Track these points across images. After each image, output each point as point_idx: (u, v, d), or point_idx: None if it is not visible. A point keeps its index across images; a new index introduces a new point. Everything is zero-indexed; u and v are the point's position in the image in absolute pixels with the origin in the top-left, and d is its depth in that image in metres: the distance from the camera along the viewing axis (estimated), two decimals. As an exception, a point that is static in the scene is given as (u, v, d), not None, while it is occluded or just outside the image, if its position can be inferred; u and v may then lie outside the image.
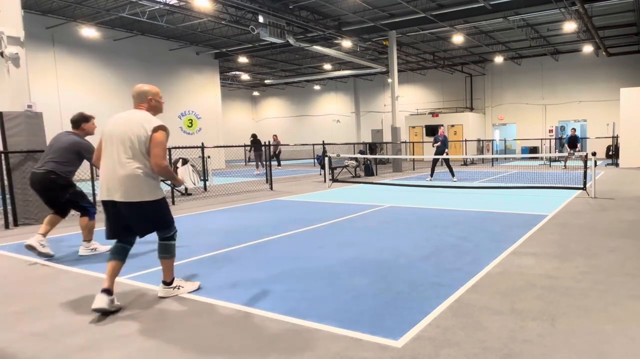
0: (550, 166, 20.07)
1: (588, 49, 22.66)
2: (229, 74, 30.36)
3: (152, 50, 21.07)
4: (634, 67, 23.58)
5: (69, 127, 5.47)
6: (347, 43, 19.84)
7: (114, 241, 3.78)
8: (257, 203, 9.86)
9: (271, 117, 38.13)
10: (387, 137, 30.03)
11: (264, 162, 23.19)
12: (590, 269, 4.36)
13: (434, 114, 27.35)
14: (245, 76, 31.47)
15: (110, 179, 3.50)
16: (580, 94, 25.27)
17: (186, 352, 2.86)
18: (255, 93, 38.67)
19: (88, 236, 5.51)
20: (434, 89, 30.08)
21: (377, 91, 32.36)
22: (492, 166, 15.03)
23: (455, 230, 6.38)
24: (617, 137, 19.92)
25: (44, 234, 5.24)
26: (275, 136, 25.67)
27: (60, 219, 5.41)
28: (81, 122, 5.35)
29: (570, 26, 17.99)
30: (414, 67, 28.69)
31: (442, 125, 19.35)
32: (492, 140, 27.20)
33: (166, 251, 3.80)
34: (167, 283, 3.87)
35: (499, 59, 24.99)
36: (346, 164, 16.82)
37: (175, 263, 3.98)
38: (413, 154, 23.57)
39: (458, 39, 20.62)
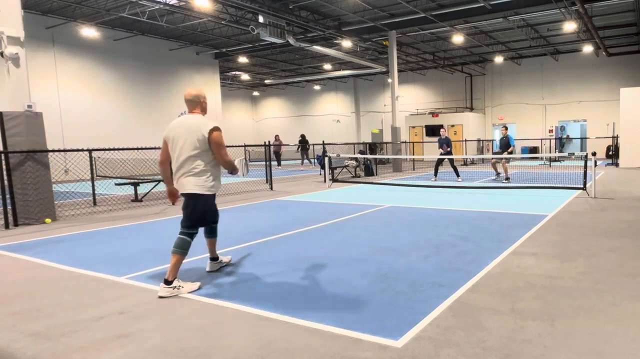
0: (550, 166, 20.07)
1: (588, 49, 22.66)
2: (229, 74, 30.36)
3: (152, 50, 21.06)
4: (634, 67, 23.57)
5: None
6: (347, 43, 19.84)
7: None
8: (257, 203, 9.86)
9: (271, 117, 38.12)
10: (387, 137, 30.03)
11: (310, 160, 24.07)
12: (590, 269, 4.36)
13: (434, 114, 27.34)
14: (245, 76, 31.47)
15: (176, 178, 4.09)
16: (580, 94, 25.26)
17: (186, 352, 2.86)
18: (255, 93, 38.67)
19: None
20: (434, 89, 30.07)
21: (377, 91, 32.36)
22: (508, 162, 15.02)
23: (455, 230, 6.38)
24: (617, 137, 19.92)
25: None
26: (277, 136, 25.69)
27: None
28: None
29: (570, 26, 17.99)
30: (414, 67, 28.69)
31: (443, 125, 19.31)
32: (492, 140, 27.19)
33: (180, 246, 4.05)
34: (168, 281, 3.94)
35: (499, 59, 24.99)
36: (346, 164, 16.83)
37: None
38: (413, 154, 23.57)
39: (458, 39, 20.62)
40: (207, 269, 4.61)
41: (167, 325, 3.29)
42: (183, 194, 4.12)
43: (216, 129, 4.06)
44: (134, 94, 20.44)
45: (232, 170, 4.33)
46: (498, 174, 14.01)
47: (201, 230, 4.38)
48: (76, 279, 4.49)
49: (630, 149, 17.21)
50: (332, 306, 3.56)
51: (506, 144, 13.03)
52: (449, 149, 13.91)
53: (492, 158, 14.10)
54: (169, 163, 4.21)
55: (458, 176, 13.90)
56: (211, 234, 4.55)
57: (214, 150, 4.05)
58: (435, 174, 14.04)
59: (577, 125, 27.53)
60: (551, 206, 8.28)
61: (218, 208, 4.42)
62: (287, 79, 31.36)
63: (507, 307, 3.44)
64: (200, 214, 4.14)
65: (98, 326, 3.30)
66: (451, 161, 14.42)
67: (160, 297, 3.87)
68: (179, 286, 3.96)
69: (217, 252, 4.77)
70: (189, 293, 3.93)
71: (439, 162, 14.35)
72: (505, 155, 13.17)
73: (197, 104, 4.24)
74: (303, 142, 23.95)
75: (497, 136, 28.13)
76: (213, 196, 4.23)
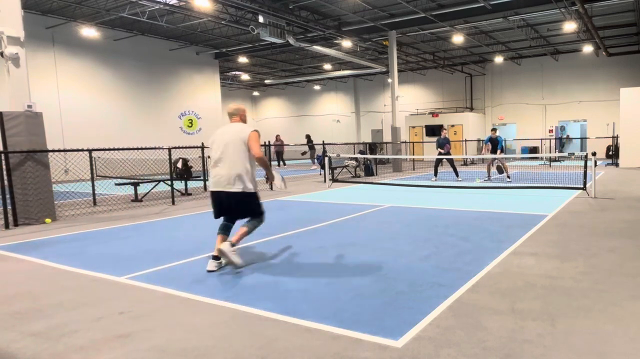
0: (550, 166, 20.07)
1: (588, 49, 22.65)
2: (229, 74, 30.35)
3: (152, 50, 21.06)
4: (634, 67, 23.56)
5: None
6: (347, 43, 19.83)
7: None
8: (257, 203, 9.85)
9: (271, 117, 38.11)
10: (387, 137, 30.03)
11: (312, 160, 24.20)
12: (590, 269, 4.36)
13: (434, 114, 27.34)
14: (245, 76, 31.46)
15: (221, 176, 4.59)
16: (580, 94, 25.25)
17: (186, 352, 2.86)
18: (255, 93, 38.66)
19: None
20: (434, 89, 30.07)
21: (377, 91, 32.35)
22: (492, 165, 15.05)
23: (455, 230, 6.38)
24: (617, 137, 19.91)
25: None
26: (278, 135, 25.71)
27: None
28: None
29: (570, 26, 17.98)
30: (414, 67, 28.68)
31: (443, 125, 19.29)
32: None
33: (251, 226, 4.76)
34: (233, 244, 4.62)
35: (499, 59, 24.98)
36: (346, 164, 16.82)
37: (174, 263, 4.01)
38: (413, 154, 23.57)
39: (458, 39, 20.61)
40: (208, 268, 4.63)
41: (167, 325, 3.29)
42: (231, 193, 4.60)
43: (254, 130, 4.70)
44: (134, 94, 20.43)
45: (267, 171, 4.94)
46: (489, 177, 14.03)
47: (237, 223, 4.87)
48: (76, 279, 4.49)
49: (630, 149, 17.21)
50: (332, 305, 3.56)
51: (496, 145, 13.39)
52: (443, 151, 13.97)
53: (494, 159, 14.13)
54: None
55: (457, 175, 13.93)
56: (246, 223, 4.83)
57: (250, 144, 4.59)
58: (435, 174, 14.05)
59: (577, 125, 27.51)
60: (551, 206, 8.28)
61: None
62: (287, 79, 31.35)
63: (507, 307, 3.44)
64: (243, 210, 4.75)
65: (98, 326, 3.30)
66: (451, 161, 14.44)
67: (219, 250, 4.51)
68: (235, 250, 4.65)
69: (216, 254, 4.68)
70: (197, 295, 3.94)
71: (438, 162, 14.37)
72: (489, 155, 13.56)
73: (237, 115, 4.92)
74: (310, 143, 24.55)
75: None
76: (254, 194, 4.73)
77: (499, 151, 13.44)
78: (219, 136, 4.74)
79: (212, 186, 4.67)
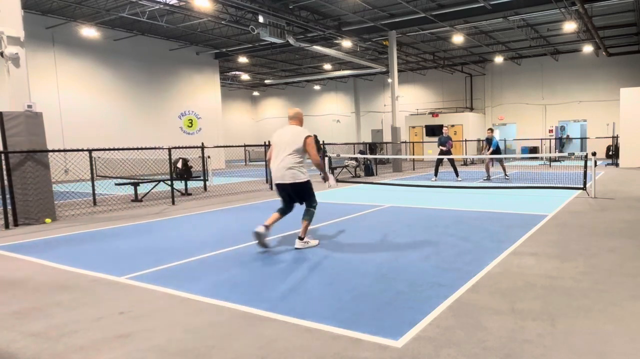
0: (550, 166, 20.07)
1: (588, 49, 22.65)
2: (229, 74, 30.35)
3: (152, 50, 21.06)
4: (634, 67, 23.57)
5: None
6: (347, 43, 19.83)
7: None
8: (257, 203, 9.86)
9: (271, 117, 38.12)
10: (387, 137, 30.03)
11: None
12: (590, 269, 4.36)
13: (434, 114, 27.33)
14: (245, 76, 31.46)
15: (279, 169, 5.44)
16: (580, 94, 25.26)
17: (186, 352, 2.86)
18: (255, 93, 38.67)
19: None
20: (434, 89, 30.07)
21: (377, 91, 32.36)
22: (492, 165, 15.07)
23: (455, 230, 6.38)
24: (617, 137, 19.92)
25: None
26: None
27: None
28: None
29: (570, 26, 17.98)
30: (414, 67, 28.69)
31: (443, 125, 19.27)
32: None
33: (307, 216, 5.57)
34: (301, 238, 5.53)
35: (499, 59, 24.99)
36: (346, 164, 16.82)
37: (174, 263, 4.00)
38: (413, 154, 23.57)
39: (458, 39, 20.61)
40: (296, 246, 5.53)
41: (167, 325, 3.29)
42: (288, 184, 5.46)
43: (309, 136, 5.44)
44: (134, 94, 20.44)
45: (321, 171, 5.76)
46: (489, 176, 14.06)
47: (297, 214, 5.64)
48: (76, 279, 4.49)
49: (630, 149, 17.21)
50: (332, 305, 3.56)
51: (491, 144, 13.62)
52: (445, 148, 13.99)
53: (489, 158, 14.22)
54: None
55: (457, 175, 13.94)
56: (303, 216, 5.62)
57: (308, 150, 5.45)
58: (436, 174, 14.05)
59: (577, 125, 27.51)
60: (551, 206, 8.28)
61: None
62: (287, 79, 31.35)
63: (507, 307, 3.44)
64: (300, 196, 5.60)
65: (98, 326, 3.30)
66: (451, 160, 14.45)
67: (297, 248, 5.44)
68: (309, 241, 5.58)
69: (303, 234, 5.60)
70: (193, 294, 3.94)
71: (439, 161, 14.38)
72: (488, 155, 13.65)
73: (295, 119, 5.70)
74: (318, 143, 24.73)
75: (498, 136, 28.16)
76: (307, 182, 5.55)
77: (489, 151, 13.68)
78: (279, 136, 5.57)
79: (275, 178, 5.60)
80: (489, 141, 13.66)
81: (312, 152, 5.45)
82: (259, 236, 5.37)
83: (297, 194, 5.59)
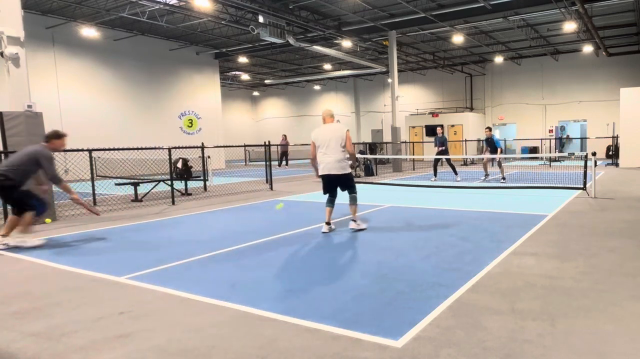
0: (550, 166, 20.07)
1: (588, 49, 22.65)
2: (229, 74, 30.35)
3: (152, 50, 21.06)
4: (634, 67, 23.56)
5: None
6: (347, 43, 19.83)
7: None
8: (257, 203, 9.86)
9: (271, 117, 38.12)
10: (387, 137, 30.03)
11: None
12: (590, 269, 4.36)
13: (434, 114, 27.33)
14: (245, 76, 31.46)
15: (327, 163, 6.29)
16: (580, 94, 25.25)
17: (186, 352, 2.86)
18: (255, 93, 38.66)
19: (23, 229, 6.10)
20: (434, 89, 30.07)
21: (377, 91, 32.35)
22: (492, 165, 15.06)
23: (455, 230, 6.38)
24: (617, 137, 19.91)
25: (4, 236, 6.02)
26: (285, 136, 25.69)
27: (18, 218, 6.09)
28: (52, 137, 6.21)
29: (570, 26, 17.98)
30: (414, 67, 28.68)
31: (441, 125, 19.25)
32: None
33: (353, 201, 6.57)
34: (354, 220, 6.51)
35: (499, 59, 24.98)
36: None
37: (174, 263, 4.01)
38: (413, 154, 23.56)
39: (458, 39, 20.61)
40: (323, 230, 6.43)
41: (167, 325, 3.29)
42: (334, 175, 6.34)
43: (347, 130, 6.48)
44: (134, 94, 20.44)
45: (354, 162, 6.87)
46: (487, 175, 14.00)
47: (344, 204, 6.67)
48: (76, 279, 4.49)
49: (630, 149, 17.20)
50: (332, 306, 3.56)
51: (492, 144, 13.19)
52: (442, 148, 13.95)
53: (485, 158, 14.09)
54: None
55: (456, 174, 13.93)
56: (350, 201, 6.61)
57: (346, 143, 6.31)
58: (435, 174, 14.05)
59: (577, 125, 27.50)
60: (551, 206, 8.28)
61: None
62: (287, 79, 31.35)
63: (507, 307, 3.44)
64: (344, 184, 6.54)
65: (98, 326, 3.30)
66: (448, 160, 14.45)
67: (352, 229, 6.44)
68: (360, 223, 6.51)
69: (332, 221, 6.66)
70: (190, 295, 3.94)
71: (437, 161, 14.38)
72: (488, 155, 13.44)
73: (332, 117, 6.67)
74: None
75: (497, 136, 28.15)
76: (350, 174, 6.56)
77: (487, 150, 13.48)
78: (321, 135, 6.40)
79: (322, 171, 6.37)
80: (488, 141, 13.37)
81: (348, 144, 6.34)
82: (329, 231, 6.43)
83: (343, 183, 6.49)
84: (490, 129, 13.55)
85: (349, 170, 6.46)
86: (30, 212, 6.03)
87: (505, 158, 13.43)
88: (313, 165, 6.59)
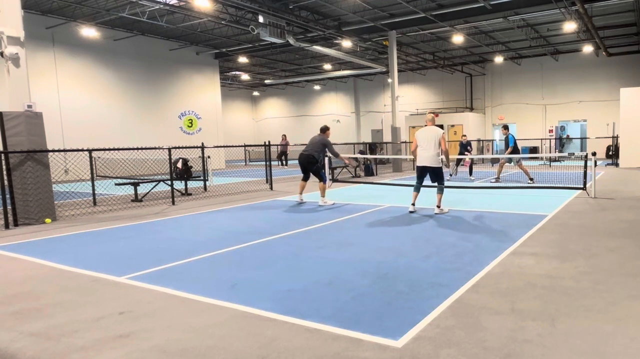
0: (550, 166, 20.06)
1: (588, 49, 22.64)
2: (229, 74, 30.34)
3: (152, 50, 21.05)
4: (634, 67, 23.56)
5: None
6: (347, 43, 19.82)
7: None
8: (257, 203, 9.86)
9: (271, 117, 38.11)
10: (387, 137, 30.02)
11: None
12: (590, 269, 4.36)
13: (434, 114, 27.32)
14: (245, 76, 31.45)
15: (425, 157, 7.84)
16: (580, 94, 25.25)
17: (186, 352, 2.86)
18: (255, 93, 38.65)
19: (323, 194, 9.40)
20: (434, 89, 30.06)
21: (377, 91, 32.35)
22: (492, 165, 15.04)
23: (455, 230, 6.38)
24: (617, 137, 19.91)
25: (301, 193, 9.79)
26: (284, 136, 25.67)
27: (305, 183, 9.77)
28: (325, 130, 9.79)
29: (570, 26, 17.97)
30: (414, 67, 28.68)
31: (441, 125, 19.24)
32: (492, 140, 27.18)
33: (441, 191, 7.95)
34: (439, 206, 7.84)
35: (499, 59, 24.97)
36: (346, 164, 16.79)
37: (174, 263, 4.01)
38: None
39: (458, 39, 20.60)
40: (435, 212, 7.88)
41: (167, 325, 3.29)
42: (428, 167, 7.88)
43: (443, 133, 7.82)
44: (134, 94, 20.43)
45: (447, 160, 8.08)
46: (498, 178, 13.27)
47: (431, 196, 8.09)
48: (76, 279, 4.49)
49: (630, 149, 17.20)
50: (332, 306, 3.56)
51: (506, 144, 12.67)
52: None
53: (501, 158, 13.53)
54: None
55: (453, 174, 13.93)
56: (437, 191, 7.99)
57: (442, 142, 7.72)
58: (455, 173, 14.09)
59: (577, 125, 27.50)
60: (551, 206, 8.28)
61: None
62: (287, 79, 31.34)
63: (507, 307, 3.44)
64: (435, 175, 7.99)
65: (98, 326, 3.30)
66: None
67: (436, 214, 7.72)
68: (443, 209, 7.85)
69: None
70: (185, 295, 3.94)
71: (458, 161, 14.34)
72: (506, 155, 12.79)
73: (432, 121, 8.01)
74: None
75: (498, 136, 28.16)
76: (441, 168, 7.98)
77: (507, 150, 12.61)
78: (423, 134, 7.86)
79: (419, 162, 7.93)
80: (507, 140, 12.50)
81: (443, 143, 7.74)
82: (414, 211, 7.97)
83: (433, 174, 7.89)
84: (506, 127, 12.78)
85: (440, 164, 7.89)
86: (322, 182, 9.41)
87: (522, 158, 12.56)
88: (413, 154, 8.07)
